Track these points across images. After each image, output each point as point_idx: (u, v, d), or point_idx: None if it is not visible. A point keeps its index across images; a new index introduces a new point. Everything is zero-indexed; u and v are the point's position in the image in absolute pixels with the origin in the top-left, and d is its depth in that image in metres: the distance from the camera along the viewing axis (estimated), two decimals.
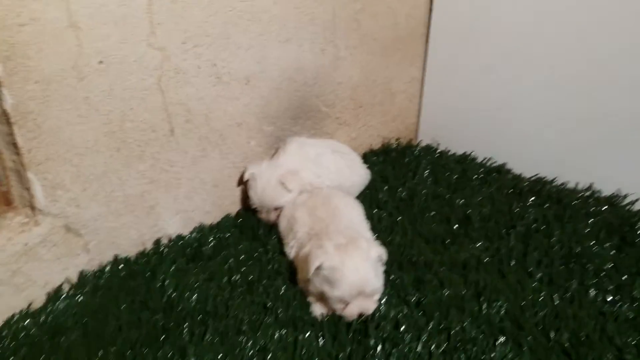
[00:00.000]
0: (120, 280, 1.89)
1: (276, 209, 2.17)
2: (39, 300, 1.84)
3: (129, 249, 2.06)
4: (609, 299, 1.76)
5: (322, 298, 1.72)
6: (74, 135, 1.77)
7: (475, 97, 2.83)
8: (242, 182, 2.30)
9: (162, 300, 1.77)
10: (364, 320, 1.67)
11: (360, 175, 2.46)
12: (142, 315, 1.71)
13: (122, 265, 1.96)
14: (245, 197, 2.31)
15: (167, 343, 1.60)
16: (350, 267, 1.63)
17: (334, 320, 1.69)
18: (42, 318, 1.74)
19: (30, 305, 1.80)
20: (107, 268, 1.94)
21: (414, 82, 3.03)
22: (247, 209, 2.32)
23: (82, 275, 1.91)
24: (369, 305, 1.68)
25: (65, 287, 1.87)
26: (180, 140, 2.06)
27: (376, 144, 2.99)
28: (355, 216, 2.07)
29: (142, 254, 2.03)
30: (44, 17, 1.59)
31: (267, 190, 2.15)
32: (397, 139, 3.02)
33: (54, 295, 1.83)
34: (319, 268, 1.65)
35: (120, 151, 1.90)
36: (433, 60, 2.99)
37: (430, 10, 2.87)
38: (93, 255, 1.96)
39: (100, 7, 1.69)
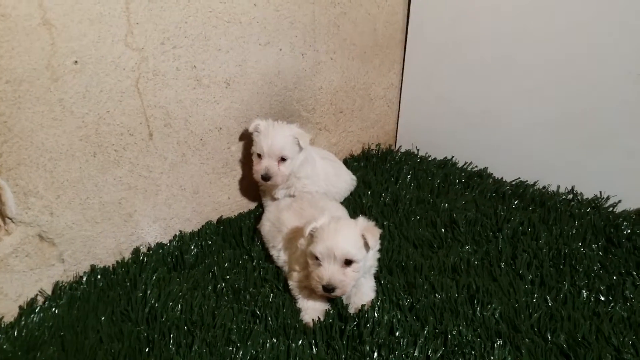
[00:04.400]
0: (99, 291, 1.80)
1: (283, 159, 2.11)
2: (11, 314, 1.73)
3: (106, 259, 1.97)
4: (601, 299, 1.75)
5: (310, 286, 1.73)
6: (48, 139, 1.69)
7: (453, 103, 2.83)
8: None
9: (144, 310, 1.69)
10: (356, 325, 1.61)
11: (346, 182, 2.44)
12: (124, 327, 1.62)
13: (99, 275, 1.87)
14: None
15: (151, 355, 1.52)
16: (331, 230, 1.65)
17: (326, 326, 1.63)
18: (15, 332, 1.63)
19: (1, 319, 1.70)
20: (84, 279, 1.85)
21: (392, 89, 3.02)
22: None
23: (58, 287, 1.81)
24: (334, 272, 1.63)
25: (40, 300, 1.77)
26: (158, 145, 1.99)
27: (356, 150, 2.96)
28: (343, 215, 2.03)
29: (120, 263, 1.94)
30: (14, 13, 1.51)
31: (278, 137, 2.09)
32: (377, 145, 3.00)
33: (28, 308, 1.73)
34: (313, 230, 1.68)
35: (96, 156, 1.82)
36: (410, 66, 2.99)
37: (408, 17, 2.88)
38: (68, 266, 1.86)
39: (74, 5, 1.62)
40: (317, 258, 1.65)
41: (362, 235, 1.67)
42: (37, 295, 1.79)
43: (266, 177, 2.10)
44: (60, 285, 1.81)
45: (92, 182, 1.84)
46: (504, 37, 2.53)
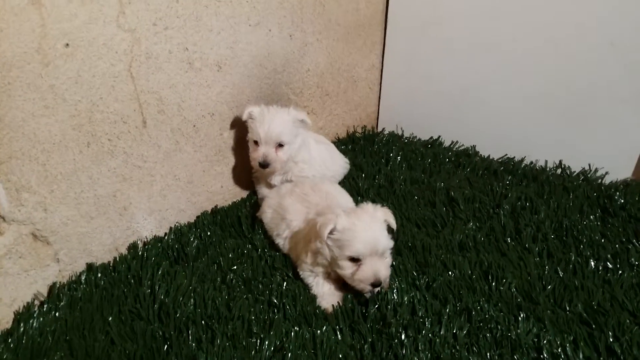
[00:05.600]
0: (101, 290, 1.69)
1: (280, 145, 2.03)
2: (5, 321, 1.61)
3: (102, 256, 1.85)
4: (609, 267, 1.77)
5: (331, 275, 1.68)
6: (40, 128, 1.56)
7: (435, 83, 2.82)
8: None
9: (154, 307, 1.59)
10: (377, 308, 1.58)
11: (341, 165, 2.39)
12: (136, 326, 1.52)
13: (99, 273, 1.75)
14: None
15: (171, 353, 1.43)
16: (361, 227, 1.58)
17: (347, 311, 1.58)
18: (14, 340, 1.51)
19: None
20: (83, 278, 1.73)
21: (373, 70, 2.98)
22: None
23: (55, 288, 1.69)
24: (381, 267, 1.59)
25: (37, 303, 1.65)
26: (152, 133, 1.88)
27: (341, 133, 2.91)
28: (347, 200, 1.98)
29: (120, 260, 1.83)
30: None
31: (275, 123, 2.00)
32: (362, 127, 2.96)
33: (25, 313, 1.60)
34: (332, 232, 1.57)
35: (90, 146, 1.70)
36: (391, 47, 2.95)
37: None
38: (64, 265, 1.75)
39: None
40: (353, 259, 1.59)
41: (385, 221, 1.63)
42: (33, 299, 1.66)
43: (264, 165, 2.03)
44: (58, 286, 1.69)
45: (87, 174, 1.72)
46: (483, 13, 2.52)
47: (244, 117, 2.06)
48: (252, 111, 2.05)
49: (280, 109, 2.07)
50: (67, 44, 1.55)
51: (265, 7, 2.15)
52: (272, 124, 2.00)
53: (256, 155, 2.04)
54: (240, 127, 2.19)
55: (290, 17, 2.29)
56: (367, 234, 1.57)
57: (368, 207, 1.67)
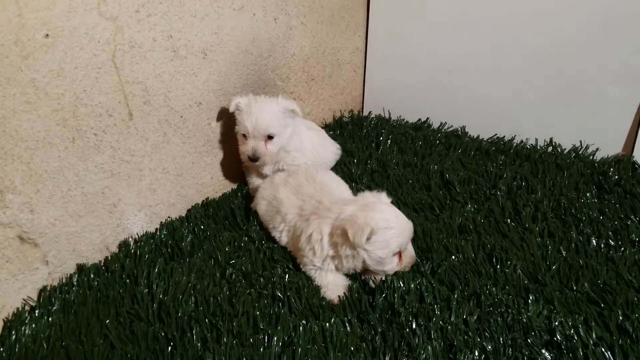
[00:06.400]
0: (95, 291, 1.62)
1: (270, 137, 1.96)
2: None
3: (93, 256, 1.78)
4: (611, 244, 1.77)
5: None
6: (22, 125, 1.47)
7: (420, 64, 2.78)
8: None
9: (153, 307, 1.53)
10: (385, 297, 1.54)
11: (333, 152, 2.33)
12: (135, 328, 1.46)
13: (91, 274, 1.68)
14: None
15: (176, 355, 1.38)
16: (394, 219, 1.57)
17: (354, 301, 1.55)
18: (7, 349, 1.43)
19: None
20: (75, 280, 1.65)
21: (357, 53, 2.92)
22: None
23: (45, 292, 1.61)
24: (411, 248, 1.67)
25: (27, 309, 1.57)
26: (139, 126, 1.80)
27: (328, 118, 2.86)
28: (343, 188, 1.93)
29: (112, 259, 1.75)
30: None
31: (263, 115, 1.93)
32: (350, 112, 2.91)
33: (16, 320, 1.52)
34: (370, 236, 1.52)
35: (75, 142, 1.62)
36: (375, 28, 2.90)
37: None
38: (53, 268, 1.67)
39: None
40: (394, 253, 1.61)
41: None
42: (23, 304, 1.58)
43: (254, 159, 1.96)
44: (49, 290, 1.62)
45: (73, 171, 1.63)
46: None
47: (231, 109, 1.99)
48: (239, 102, 1.97)
49: (269, 99, 1.99)
50: (47, 35, 1.46)
51: None
52: (260, 116, 1.93)
53: (245, 149, 1.97)
54: (228, 116, 2.11)
55: (275, 0, 2.21)
56: (402, 223, 1.59)
57: (372, 196, 1.67)
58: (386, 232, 1.54)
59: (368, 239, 1.51)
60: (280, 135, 1.99)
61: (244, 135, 1.98)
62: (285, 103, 1.98)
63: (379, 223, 1.53)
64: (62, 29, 1.49)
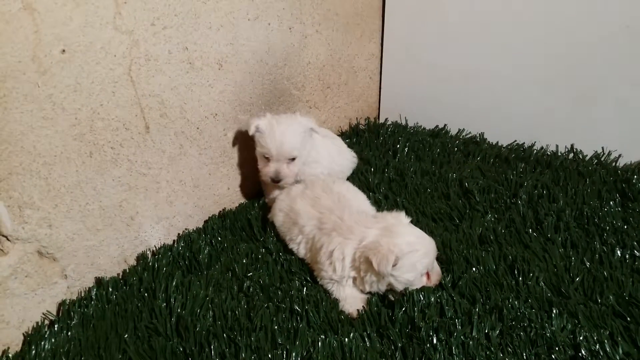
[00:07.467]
0: (113, 305, 1.62)
1: (292, 159, 1.95)
2: (15, 344, 1.53)
3: (111, 269, 1.78)
4: (636, 255, 1.72)
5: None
6: (40, 141, 1.48)
7: (436, 69, 2.75)
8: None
9: (171, 321, 1.52)
10: (405, 311, 1.51)
11: (349, 159, 2.31)
12: (154, 343, 1.45)
13: (110, 287, 1.68)
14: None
15: None
16: (417, 241, 1.57)
17: (372, 315, 1.52)
18: None
19: (6, 351, 1.49)
20: (93, 294, 1.65)
21: (373, 59, 2.91)
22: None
23: (64, 306, 1.61)
24: (438, 267, 1.66)
25: (47, 323, 1.57)
26: (155, 138, 1.80)
27: (344, 126, 2.84)
28: (361, 200, 1.91)
29: (130, 272, 1.75)
30: None
31: (287, 138, 1.91)
32: (366, 119, 2.89)
33: (35, 335, 1.52)
34: (395, 262, 1.50)
35: (92, 156, 1.62)
36: (390, 34, 2.88)
37: None
38: (72, 282, 1.67)
39: None
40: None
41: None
42: (42, 318, 1.59)
43: (276, 180, 1.95)
44: (68, 304, 1.62)
45: (91, 185, 1.64)
46: None
47: (251, 132, 1.96)
48: (259, 125, 1.95)
49: (289, 118, 1.98)
50: (64, 50, 1.47)
51: (264, 0, 2.06)
52: (284, 140, 1.91)
53: (267, 170, 1.97)
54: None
55: (289, 9, 2.21)
56: (426, 244, 1.58)
57: (391, 217, 1.66)
58: (412, 255, 1.52)
59: (394, 265, 1.49)
60: (302, 155, 1.99)
61: (266, 157, 1.97)
62: (306, 122, 1.97)
63: (404, 248, 1.52)
64: (78, 44, 1.49)
